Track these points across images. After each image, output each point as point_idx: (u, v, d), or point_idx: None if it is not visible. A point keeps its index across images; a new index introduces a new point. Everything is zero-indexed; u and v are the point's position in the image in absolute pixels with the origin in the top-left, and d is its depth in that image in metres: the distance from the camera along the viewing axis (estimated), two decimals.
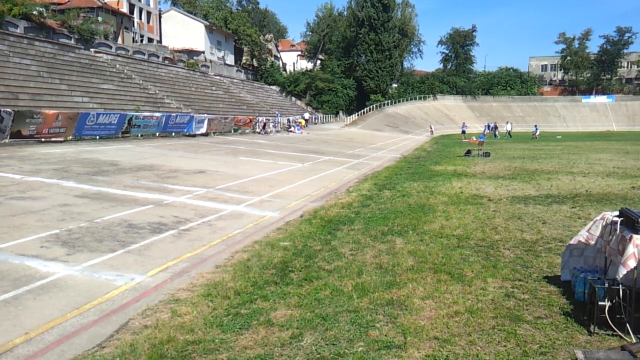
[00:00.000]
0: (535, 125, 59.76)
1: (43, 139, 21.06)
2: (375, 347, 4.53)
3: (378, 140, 43.87)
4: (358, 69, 76.70)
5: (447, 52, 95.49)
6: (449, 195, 13.24)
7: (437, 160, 24.97)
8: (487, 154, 26.74)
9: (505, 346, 4.57)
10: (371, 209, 11.40)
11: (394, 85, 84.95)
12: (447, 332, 4.85)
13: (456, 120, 74.30)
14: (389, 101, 77.46)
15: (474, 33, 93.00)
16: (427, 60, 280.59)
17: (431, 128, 64.00)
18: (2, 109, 19.65)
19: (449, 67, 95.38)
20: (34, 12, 35.94)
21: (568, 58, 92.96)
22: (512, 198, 12.76)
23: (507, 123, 59.48)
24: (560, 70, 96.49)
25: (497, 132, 56.64)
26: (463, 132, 51.53)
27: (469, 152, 27.93)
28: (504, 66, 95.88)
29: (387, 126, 64.65)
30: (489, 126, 58.63)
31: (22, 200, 10.28)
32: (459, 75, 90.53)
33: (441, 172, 18.97)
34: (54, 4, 44.82)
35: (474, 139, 39.10)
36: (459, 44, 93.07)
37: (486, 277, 6.47)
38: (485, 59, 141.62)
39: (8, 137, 19.36)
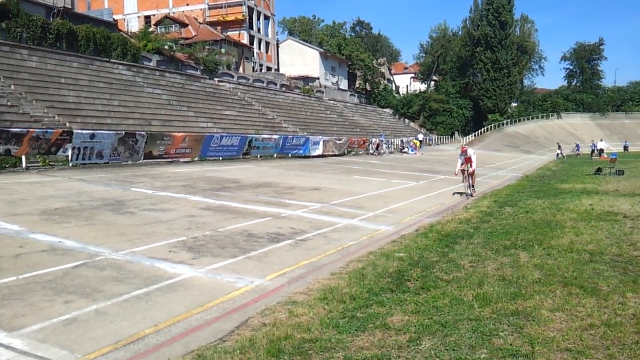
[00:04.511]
0: None
1: (171, 159, 22.73)
2: (500, 355, 4.24)
3: (497, 160, 42.05)
4: (474, 88, 74.55)
5: (571, 67, 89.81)
6: (578, 212, 12.27)
7: (564, 179, 23.36)
8: (620, 172, 24.55)
9: None
10: (491, 224, 10.87)
11: (513, 104, 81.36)
12: (580, 344, 4.42)
13: (584, 139, 69.32)
14: (508, 120, 74.25)
15: (601, 47, 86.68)
16: (550, 77, 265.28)
17: (559, 147, 57.12)
18: (137, 132, 21.55)
19: (573, 83, 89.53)
20: (165, 47, 39.38)
21: None
22: None
23: (600, 140, 53.61)
24: None
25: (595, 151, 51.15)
26: (592, 151, 47.81)
27: (599, 170, 25.83)
28: (635, 80, 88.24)
29: (506, 146, 61.90)
30: (595, 146, 53.21)
31: (154, 211, 11.08)
32: (585, 92, 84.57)
33: (568, 190, 17.68)
34: (182, 38, 48.70)
35: (605, 156, 36.14)
36: (585, 59, 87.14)
37: (625, 292, 5.85)
38: (615, 74, 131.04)
39: (142, 158, 21.14)
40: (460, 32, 77.78)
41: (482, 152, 53.98)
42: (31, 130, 17.80)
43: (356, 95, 71.26)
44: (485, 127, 70.42)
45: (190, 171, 19.78)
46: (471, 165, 15.94)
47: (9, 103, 21.88)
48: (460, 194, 16.44)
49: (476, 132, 69.24)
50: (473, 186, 16.52)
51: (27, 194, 12.42)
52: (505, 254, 7.91)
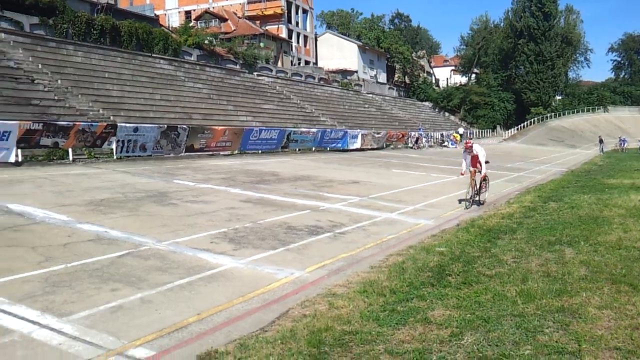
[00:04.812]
0: None
1: (212, 152, 23.07)
2: (545, 352, 4.15)
3: (540, 154, 41.06)
4: (516, 81, 72.85)
5: (619, 59, 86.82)
6: (626, 207, 11.84)
7: (611, 174, 22.59)
8: None
9: None
10: (535, 219, 10.61)
11: (558, 97, 79.18)
12: (631, 344, 4.28)
13: (632, 134, 66.86)
14: (552, 114, 72.36)
15: None
16: (596, 69, 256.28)
17: (621, 143, 51.71)
18: (179, 126, 21.96)
19: (622, 75, 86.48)
20: (205, 42, 39.92)
21: None
22: None
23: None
24: None
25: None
26: None
27: None
28: None
29: (550, 140, 60.36)
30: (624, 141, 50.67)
31: (195, 203, 11.27)
32: (634, 85, 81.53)
33: (616, 185, 17.08)
34: (221, 33, 49.23)
35: None
36: (634, 50, 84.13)
37: None
38: None
39: (184, 151, 21.54)
40: (502, 24, 76.20)
41: (524, 146, 52.90)
42: (77, 123, 18.36)
43: (395, 88, 70.65)
44: (528, 121, 68.83)
45: (230, 164, 20.03)
46: (480, 168, 12.84)
47: (56, 97, 22.58)
48: (461, 201, 13.17)
49: (519, 126, 67.72)
50: (481, 192, 13.28)
51: (74, 185, 12.82)
52: (549, 250, 7.72)
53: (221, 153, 23.61)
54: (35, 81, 22.81)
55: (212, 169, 18.04)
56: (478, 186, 13.00)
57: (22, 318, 4.83)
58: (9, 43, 24.91)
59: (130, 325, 4.86)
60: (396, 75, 75.52)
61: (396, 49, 70.14)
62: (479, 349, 4.24)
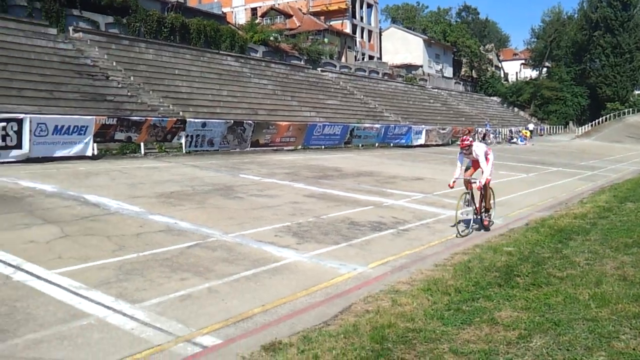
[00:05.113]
0: None
1: (276, 148, 23.41)
2: (620, 359, 3.93)
3: (617, 152, 38.98)
4: (591, 75, 69.28)
5: None
6: None
7: None
8: None
9: None
10: (610, 220, 10.10)
11: (636, 92, 74.74)
12: None
13: None
14: (630, 109, 68.40)
15: None
16: None
17: None
18: (245, 121, 22.43)
19: None
20: (271, 38, 40.54)
21: None
22: None
23: None
24: None
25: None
26: None
27: None
28: None
29: (628, 137, 57.10)
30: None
31: (260, 197, 11.49)
32: None
33: None
34: (286, 29, 49.77)
35: None
36: None
37: None
38: None
39: (249, 146, 21.99)
40: (576, 15, 72.85)
41: (599, 143, 50.41)
42: (149, 118, 19.12)
43: (461, 83, 69.06)
44: (604, 117, 65.41)
45: (293, 159, 20.26)
46: (480, 177, 9.02)
47: (129, 93, 23.60)
48: (458, 224, 8.98)
49: (593, 122, 64.53)
50: (487, 211, 9.44)
51: (146, 178, 13.37)
52: (626, 253, 7.33)
53: (285, 148, 23.91)
54: (110, 78, 23.93)
55: (276, 163, 18.31)
56: (478, 203, 9.33)
57: (98, 303, 5.09)
58: (86, 42, 26.26)
59: (198, 313, 5.02)
60: (463, 70, 73.75)
61: (463, 42, 68.49)
62: (548, 353, 4.09)
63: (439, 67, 67.43)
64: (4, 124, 14.46)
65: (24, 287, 5.40)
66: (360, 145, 28.73)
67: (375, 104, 41.95)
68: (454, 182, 8.99)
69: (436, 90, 58.30)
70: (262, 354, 4.21)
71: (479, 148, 9.18)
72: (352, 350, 4.20)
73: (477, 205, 9.34)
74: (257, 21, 46.04)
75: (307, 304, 5.45)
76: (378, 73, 51.20)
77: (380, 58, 63.47)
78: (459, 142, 9.41)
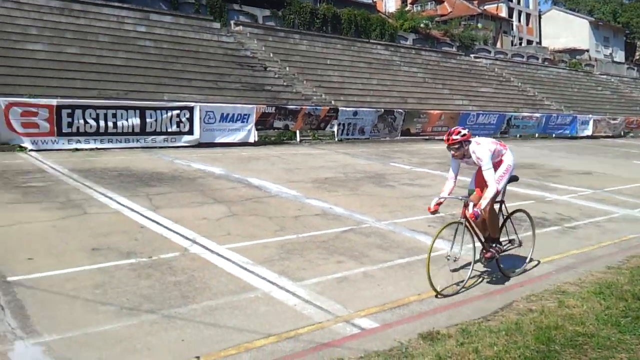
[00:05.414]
0: None
1: (427, 137, 23.03)
2: None
3: None
4: None
5: None
6: None
7: None
8: None
9: None
10: None
11: None
12: None
13: None
14: None
15: None
16: None
17: None
18: (395, 110, 22.35)
19: None
20: (421, 25, 39.80)
21: None
22: None
23: None
24: None
25: None
26: None
27: None
28: None
29: None
30: None
31: (412, 186, 11.39)
32: None
33: None
34: (437, 15, 48.51)
35: None
36: None
37: None
38: None
39: (399, 134, 21.91)
40: None
41: None
42: (304, 107, 19.89)
43: (635, 68, 61.89)
44: None
45: (444, 148, 19.74)
46: (484, 189, 5.88)
47: (285, 83, 24.72)
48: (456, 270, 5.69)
49: None
50: (495, 241, 5.94)
51: (301, 164, 13.96)
52: None
53: (436, 137, 23.41)
54: (268, 69, 25.27)
55: (427, 153, 18.03)
56: (479, 232, 5.97)
57: (263, 278, 5.43)
58: (246, 35, 28.01)
59: (354, 296, 5.13)
60: (637, 54, 66.10)
61: (637, 23, 61.29)
62: None
63: (608, 52, 61.14)
64: (178, 111, 16.03)
65: (200, 258, 5.95)
66: (518, 135, 27.23)
67: (534, 91, 39.28)
68: (437, 204, 5.76)
69: (605, 76, 52.93)
70: (420, 342, 4.17)
71: (480, 147, 5.72)
72: (515, 349, 4.00)
73: (479, 233, 5.94)
74: (407, 8, 45.47)
75: (464, 297, 5.30)
76: (537, 58, 47.82)
77: (539, 43, 59.30)
78: (444, 138, 5.92)
